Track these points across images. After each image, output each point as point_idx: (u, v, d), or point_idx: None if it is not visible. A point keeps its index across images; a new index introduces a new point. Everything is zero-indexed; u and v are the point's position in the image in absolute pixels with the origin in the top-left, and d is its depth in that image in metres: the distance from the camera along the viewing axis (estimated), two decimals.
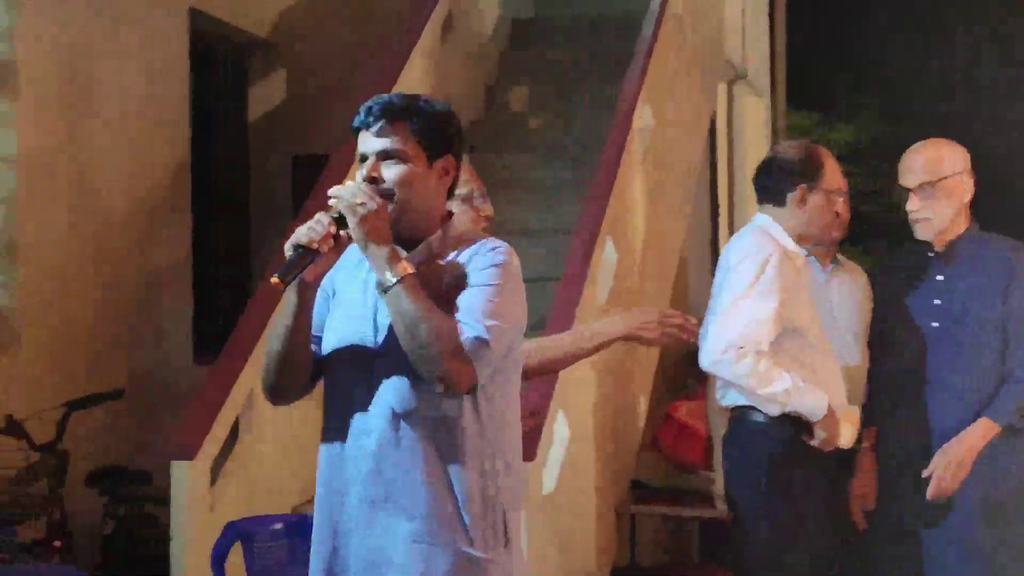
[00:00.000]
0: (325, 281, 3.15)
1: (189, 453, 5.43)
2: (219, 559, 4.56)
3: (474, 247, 3.10)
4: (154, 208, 7.69)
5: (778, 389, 4.38)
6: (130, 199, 7.47)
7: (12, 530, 5.81)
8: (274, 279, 2.97)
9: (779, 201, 4.60)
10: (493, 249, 3.08)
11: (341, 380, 3.13)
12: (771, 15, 12.79)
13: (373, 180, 3.08)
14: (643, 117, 7.50)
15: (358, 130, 3.14)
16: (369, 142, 3.11)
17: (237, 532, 4.62)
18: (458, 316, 2.97)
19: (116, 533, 6.69)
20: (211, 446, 5.53)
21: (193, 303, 8.11)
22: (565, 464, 5.67)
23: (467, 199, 3.81)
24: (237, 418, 5.81)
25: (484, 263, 3.05)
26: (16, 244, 6.65)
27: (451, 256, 3.10)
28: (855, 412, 4.67)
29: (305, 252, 2.99)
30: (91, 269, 7.12)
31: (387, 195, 3.06)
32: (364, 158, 3.11)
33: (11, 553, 5.68)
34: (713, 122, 10.86)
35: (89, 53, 7.24)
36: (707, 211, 11.22)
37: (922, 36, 18.73)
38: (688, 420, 7.50)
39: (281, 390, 3.17)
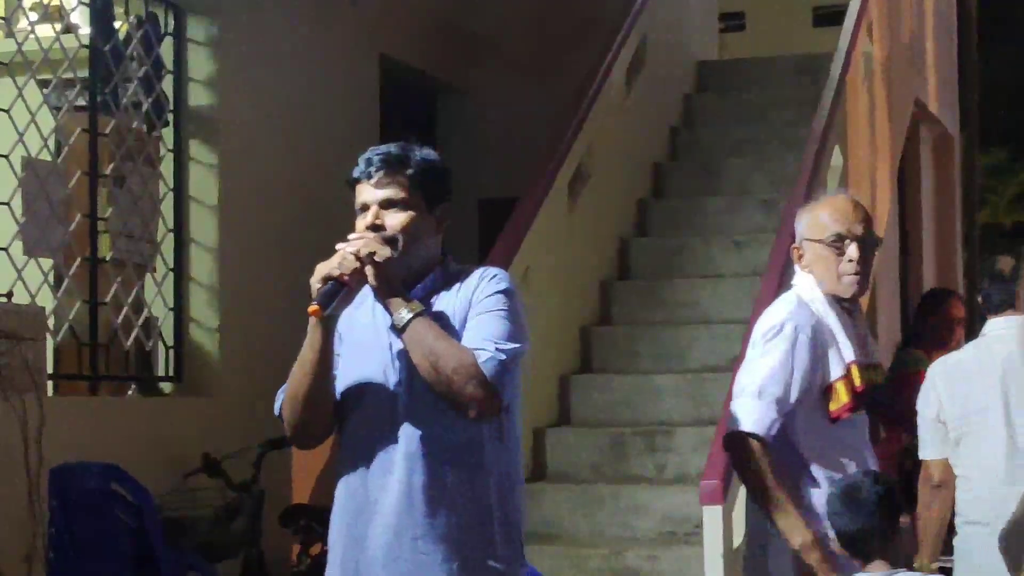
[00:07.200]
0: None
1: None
2: None
3: (474, 276, 3.22)
4: None
5: None
6: (327, 242, 7.58)
7: (212, 568, 5.92)
8: (313, 307, 3.04)
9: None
10: (494, 277, 3.20)
11: (361, 419, 3.19)
12: (960, 50, 12.56)
13: (376, 228, 3.18)
14: (833, 157, 7.42)
15: (357, 181, 3.25)
16: (370, 192, 3.22)
17: None
18: (475, 343, 3.07)
19: (311, 572, 6.76)
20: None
21: None
22: None
23: None
24: None
25: (489, 290, 3.17)
26: (218, 289, 6.83)
27: (454, 288, 3.21)
28: None
29: (337, 284, 3.08)
30: (288, 312, 7.22)
31: (391, 242, 3.16)
32: (365, 207, 3.22)
33: None
34: (903, 160, 10.68)
35: (286, 100, 7.41)
36: (896, 250, 11.03)
37: None
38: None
39: (309, 430, 3.23)
